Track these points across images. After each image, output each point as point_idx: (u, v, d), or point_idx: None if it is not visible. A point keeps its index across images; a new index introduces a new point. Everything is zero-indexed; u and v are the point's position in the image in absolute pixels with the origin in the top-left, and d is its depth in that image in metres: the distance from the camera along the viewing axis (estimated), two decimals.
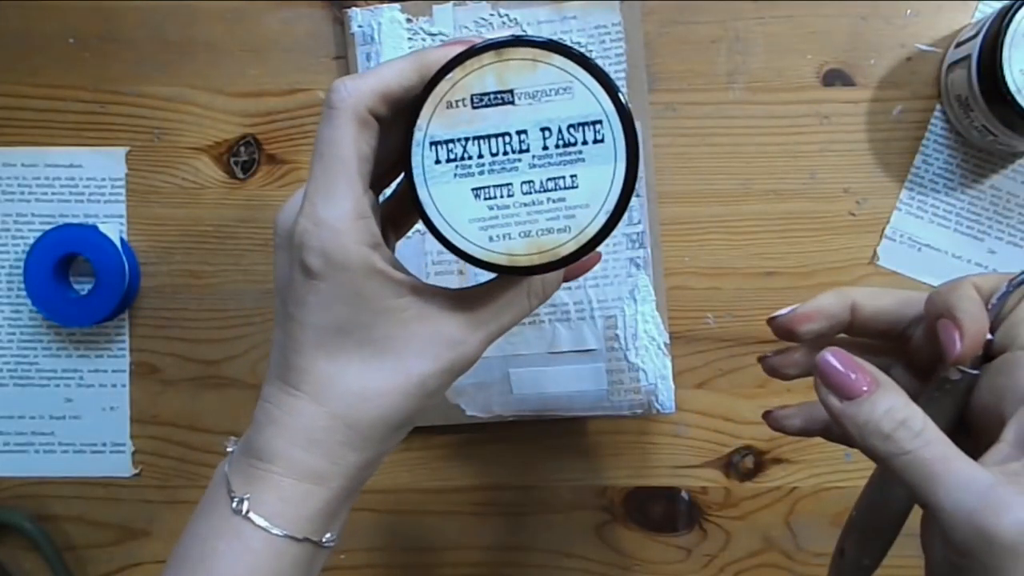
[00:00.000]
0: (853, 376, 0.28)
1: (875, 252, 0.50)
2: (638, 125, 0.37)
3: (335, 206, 0.29)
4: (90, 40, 0.51)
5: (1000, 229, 0.49)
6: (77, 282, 0.52)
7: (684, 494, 0.51)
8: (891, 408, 0.27)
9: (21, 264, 0.50)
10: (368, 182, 0.30)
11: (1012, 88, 0.42)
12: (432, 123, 0.28)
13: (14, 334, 0.52)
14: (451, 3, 0.48)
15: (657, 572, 0.51)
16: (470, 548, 0.51)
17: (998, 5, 0.47)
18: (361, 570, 0.52)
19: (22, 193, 0.51)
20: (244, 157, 0.51)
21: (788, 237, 0.50)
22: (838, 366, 0.28)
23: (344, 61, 0.50)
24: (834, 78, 0.49)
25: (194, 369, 0.51)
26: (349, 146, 0.29)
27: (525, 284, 0.32)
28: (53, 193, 0.51)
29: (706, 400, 0.50)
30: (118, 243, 0.50)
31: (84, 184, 0.51)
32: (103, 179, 0.51)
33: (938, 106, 0.49)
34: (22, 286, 0.50)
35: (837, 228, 0.50)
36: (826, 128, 0.49)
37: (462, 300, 0.31)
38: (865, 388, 0.28)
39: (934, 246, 0.49)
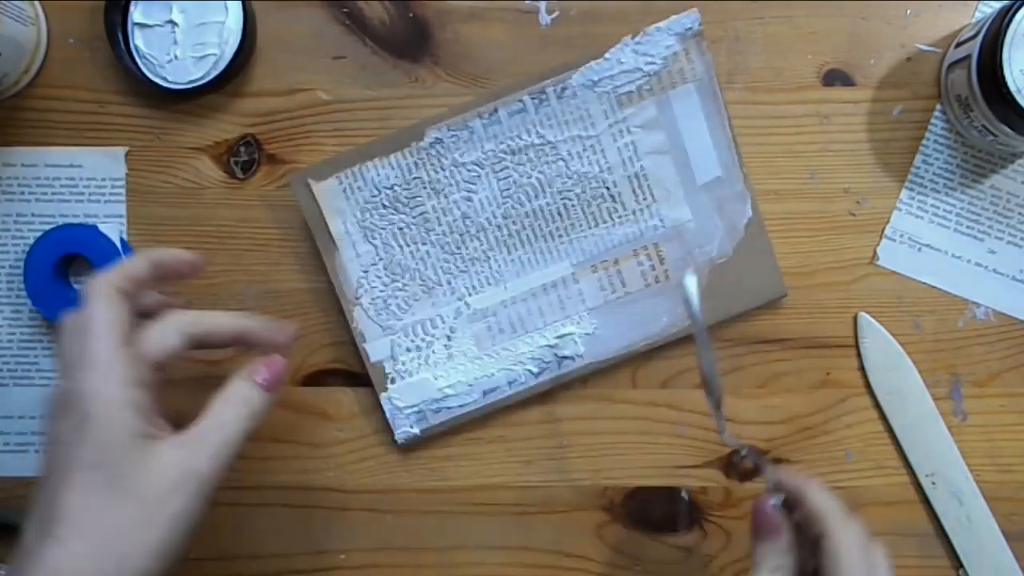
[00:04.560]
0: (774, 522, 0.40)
1: (875, 252, 0.50)
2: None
3: (92, 358, 0.35)
4: (90, 40, 0.51)
5: (1000, 229, 0.49)
6: (77, 282, 0.52)
7: (684, 494, 0.51)
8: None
9: (21, 264, 0.50)
10: (125, 340, 0.36)
11: (1012, 88, 0.42)
12: None
13: (14, 334, 0.52)
14: None
15: (657, 572, 0.51)
16: (470, 548, 0.51)
17: (998, 5, 0.47)
18: (361, 570, 0.52)
19: (22, 193, 0.51)
20: (244, 157, 0.51)
21: (788, 237, 0.50)
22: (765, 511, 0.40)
23: (344, 61, 0.50)
24: (834, 78, 0.49)
25: (195, 369, 0.51)
26: (102, 316, 0.36)
27: (222, 396, 0.38)
28: (53, 193, 0.51)
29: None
30: (118, 243, 0.50)
31: (84, 184, 0.51)
32: (103, 179, 0.51)
33: (938, 106, 0.49)
34: (22, 286, 0.50)
35: (837, 228, 0.50)
36: (826, 128, 0.49)
37: (187, 431, 0.37)
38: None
39: (934, 246, 0.49)
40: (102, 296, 0.37)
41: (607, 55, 0.47)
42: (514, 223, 0.49)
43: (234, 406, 0.39)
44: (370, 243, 0.49)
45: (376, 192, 0.49)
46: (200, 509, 0.36)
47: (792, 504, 0.40)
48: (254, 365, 0.41)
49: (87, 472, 0.34)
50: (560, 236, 0.49)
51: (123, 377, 0.35)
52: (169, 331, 0.39)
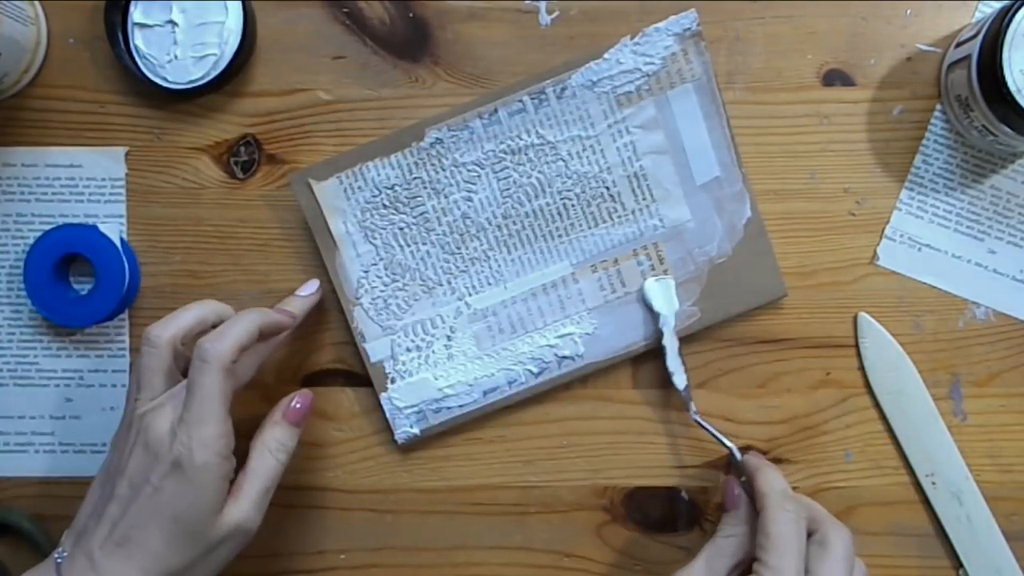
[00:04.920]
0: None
1: (875, 252, 0.50)
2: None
3: (205, 429, 0.40)
4: (90, 40, 0.51)
5: (1000, 229, 0.49)
6: (77, 282, 0.52)
7: (684, 494, 0.51)
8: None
9: (21, 264, 0.50)
10: (228, 410, 0.41)
11: (1012, 88, 0.42)
12: None
13: (14, 334, 0.52)
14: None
15: (657, 572, 0.51)
16: (470, 548, 0.51)
17: (998, 5, 0.47)
18: (361, 570, 0.52)
19: (22, 193, 0.51)
20: (244, 157, 0.51)
21: (788, 237, 0.50)
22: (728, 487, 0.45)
23: (344, 61, 0.50)
24: (834, 78, 0.49)
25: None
26: (217, 389, 0.40)
27: (262, 446, 0.43)
28: (53, 193, 0.51)
29: (706, 400, 0.50)
30: (118, 243, 0.50)
31: (84, 184, 0.51)
32: (103, 179, 0.51)
33: (938, 106, 0.49)
34: (22, 286, 0.50)
35: (837, 228, 0.50)
36: (826, 128, 0.49)
37: (237, 487, 0.42)
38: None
39: (934, 246, 0.49)
40: (219, 369, 0.40)
41: (606, 55, 0.47)
42: (514, 223, 0.49)
43: (273, 453, 0.43)
44: (370, 243, 0.49)
45: (376, 192, 0.49)
46: (240, 548, 0.42)
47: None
48: (285, 404, 0.45)
49: (173, 523, 0.39)
50: (560, 236, 0.49)
51: (226, 451, 0.40)
52: (248, 363, 0.46)
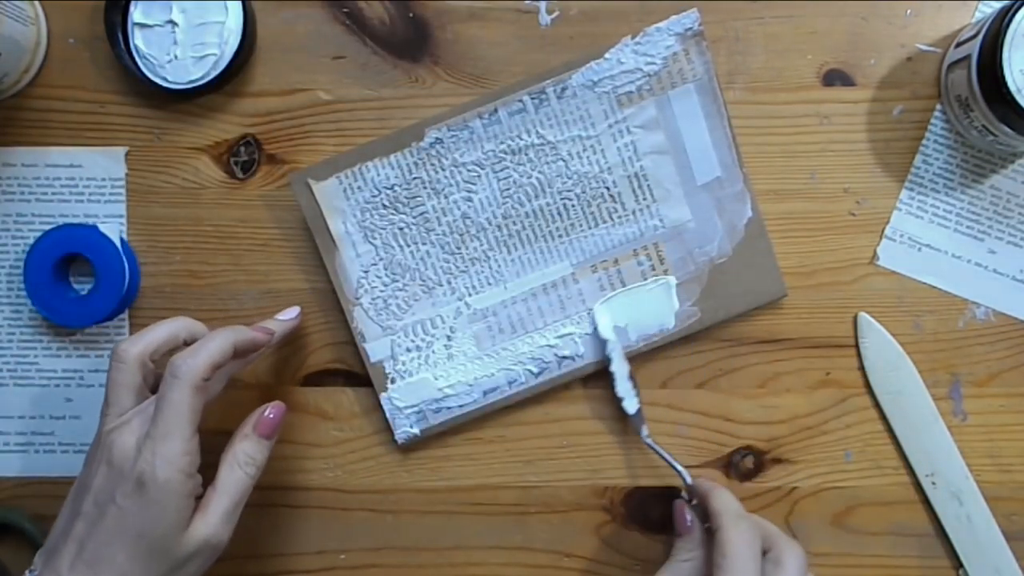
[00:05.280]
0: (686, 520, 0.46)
1: (875, 252, 0.50)
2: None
3: (170, 445, 0.39)
4: (90, 40, 0.51)
5: (1000, 229, 0.49)
6: (77, 282, 0.52)
7: (684, 494, 0.51)
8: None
9: (21, 264, 0.50)
10: (196, 428, 0.40)
11: (1012, 88, 0.42)
12: None
13: (14, 334, 0.52)
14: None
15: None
16: (470, 548, 0.51)
17: (998, 5, 0.47)
18: (361, 570, 0.52)
19: (22, 193, 0.51)
20: (244, 157, 0.51)
21: (788, 237, 0.50)
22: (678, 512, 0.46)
23: (344, 61, 0.50)
24: (834, 78, 0.49)
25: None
26: (186, 406, 0.40)
27: (232, 460, 0.42)
28: (53, 193, 0.51)
29: (706, 400, 0.50)
30: (118, 243, 0.50)
31: (84, 184, 0.51)
32: (103, 179, 0.51)
33: (938, 106, 0.49)
34: (22, 286, 0.50)
35: (837, 228, 0.50)
36: (826, 128, 0.49)
37: (206, 504, 0.41)
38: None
39: (934, 246, 0.49)
40: (190, 386, 0.40)
41: (607, 55, 0.47)
42: (514, 223, 0.49)
43: (243, 467, 0.42)
44: (370, 243, 0.49)
45: (376, 192, 0.49)
46: (210, 564, 0.42)
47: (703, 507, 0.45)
48: (255, 418, 0.44)
49: (138, 541, 0.39)
50: (560, 236, 0.49)
51: (190, 468, 0.40)
52: (219, 378, 0.45)
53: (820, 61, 0.49)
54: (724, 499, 0.44)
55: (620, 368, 0.49)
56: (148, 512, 0.39)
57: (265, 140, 0.51)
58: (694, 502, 0.46)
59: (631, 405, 0.49)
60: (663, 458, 0.48)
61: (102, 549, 0.39)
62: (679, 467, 0.47)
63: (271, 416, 0.44)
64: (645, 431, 0.49)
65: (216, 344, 0.42)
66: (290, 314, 0.49)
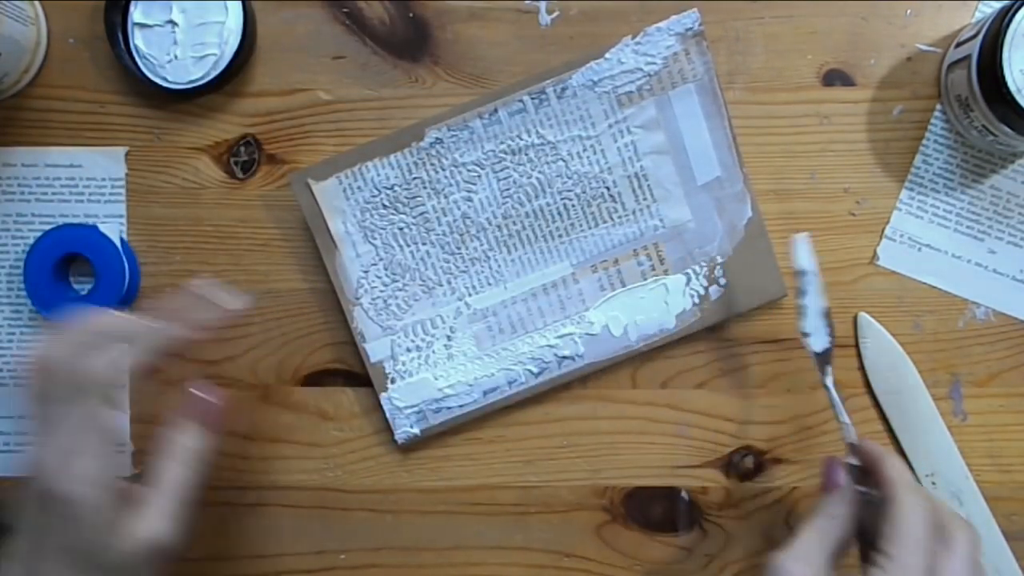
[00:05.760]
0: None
1: (875, 252, 0.50)
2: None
3: (81, 462, 0.38)
4: (90, 40, 0.51)
5: (1000, 229, 0.49)
6: (77, 282, 0.52)
7: (684, 494, 0.51)
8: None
9: (21, 264, 0.50)
10: (108, 438, 0.39)
11: (1012, 88, 0.42)
12: None
13: (14, 334, 0.52)
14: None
15: (657, 572, 0.51)
16: (470, 548, 0.51)
17: (998, 5, 0.47)
18: (361, 570, 0.52)
19: (22, 193, 0.51)
20: (244, 157, 0.51)
21: (788, 237, 0.49)
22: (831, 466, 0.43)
23: (344, 61, 0.50)
24: (834, 78, 0.49)
25: (194, 369, 0.51)
26: (92, 420, 0.38)
27: (168, 455, 0.40)
28: (53, 193, 0.51)
29: (706, 400, 0.50)
30: (118, 243, 0.50)
31: (84, 184, 0.51)
32: (103, 179, 0.51)
33: (938, 106, 0.49)
34: (22, 286, 0.50)
35: (837, 228, 0.50)
36: (826, 128, 0.49)
37: (144, 503, 0.39)
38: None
39: (934, 246, 0.49)
40: (95, 399, 0.38)
41: (607, 55, 0.47)
42: (514, 223, 0.49)
43: (179, 462, 0.40)
44: (370, 243, 0.49)
45: (376, 192, 0.49)
46: (165, 564, 0.40)
47: (866, 470, 0.42)
48: (186, 407, 0.41)
49: (70, 555, 0.38)
50: (560, 236, 0.49)
51: (106, 480, 0.38)
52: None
53: (820, 61, 0.49)
54: (899, 467, 0.41)
55: (814, 302, 0.45)
56: (69, 527, 0.38)
57: (265, 140, 0.51)
58: (847, 461, 0.43)
59: (819, 342, 0.45)
60: (836, 409, 0.44)
61: (44, 565, 0.38)
62: (847, 420, 0.44)
63: (213, 402, 0.41)
64: (829, 373, 0.45)
65: (124, 360, 0.39)
66: (233, 302, 0.44)
